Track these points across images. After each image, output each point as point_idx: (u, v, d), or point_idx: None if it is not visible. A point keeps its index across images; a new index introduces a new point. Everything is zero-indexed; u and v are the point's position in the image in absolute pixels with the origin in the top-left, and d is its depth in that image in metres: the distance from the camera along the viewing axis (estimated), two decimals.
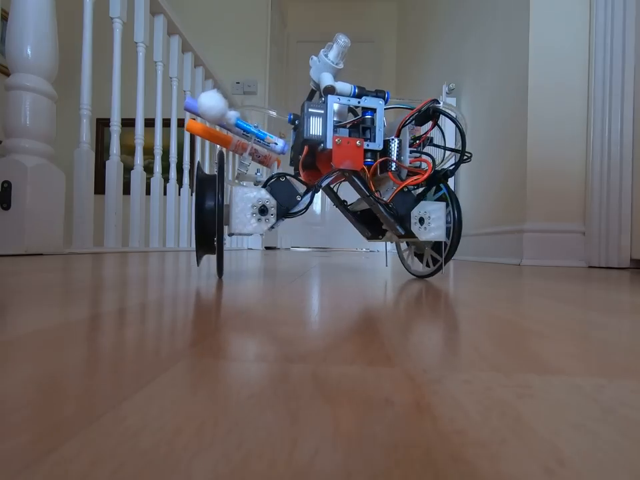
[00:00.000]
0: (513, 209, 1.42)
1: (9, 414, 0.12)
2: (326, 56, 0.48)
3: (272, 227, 0.52)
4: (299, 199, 0.49)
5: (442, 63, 2.36)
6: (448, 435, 0.11)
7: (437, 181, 0.55)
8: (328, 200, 3.79)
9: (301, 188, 0.51)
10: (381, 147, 0.49)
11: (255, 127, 0.52)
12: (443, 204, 0.54)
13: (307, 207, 0.51)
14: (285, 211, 0.49)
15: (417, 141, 0.53)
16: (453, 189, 0.56)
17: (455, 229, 0.54)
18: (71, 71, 2.08)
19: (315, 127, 0.47)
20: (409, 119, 0.51)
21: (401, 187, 0.50)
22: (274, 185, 0.49)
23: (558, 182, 1.31)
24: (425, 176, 0.50)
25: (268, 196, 0.48)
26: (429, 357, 0.19)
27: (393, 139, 0.50)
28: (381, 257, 1.78)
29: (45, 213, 0.94)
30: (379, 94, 0.50)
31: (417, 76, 2.94)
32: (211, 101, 0.46)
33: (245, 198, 0.47)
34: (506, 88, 1.49)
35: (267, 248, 3.00)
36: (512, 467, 0.09)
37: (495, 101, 1.60)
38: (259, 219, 0.48)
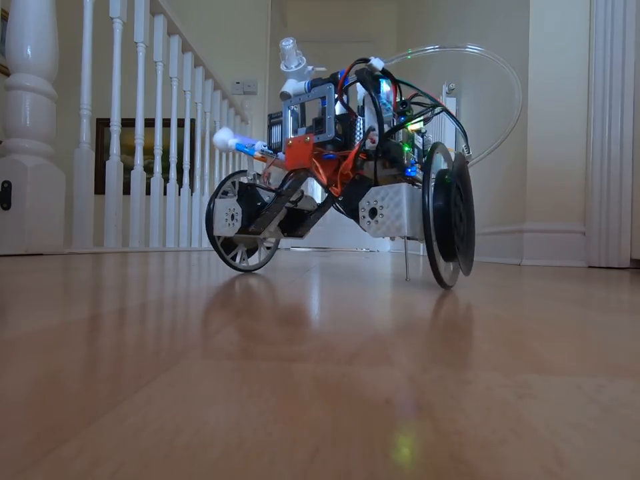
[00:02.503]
0: (513, 209, 1.42)
1: (8, 414, 0.12)
2: (286, 67, 0.49)
3: (274, 235, 0.58)
4: (259, 204, 0.54)
5: (442, 62, 2.36)
6: (448, 435, 0.11)
7: (375, 156, 0.44)
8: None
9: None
10: (331, 136, 0.44)
11: (253, 145, 0.56)
12: (400, 186, 0.41)
13: (266, 208, 0.54)
14: (250, 215, 0.54)
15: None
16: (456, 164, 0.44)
17: (426, 220, 0.39)
18: (71, 71, 2.08)
19: (276, 136, 0.51)
20: (342, 88, 0.45)
21: (339, 174, 0.45)
22: (242, 194, 0.55)
23: (558, 182, 1.31)
24: (353, 153, 0.43)
25: (234, 204, 0.54)
26: (428, 356, 0.19)
27: (357, 119, 0.45)
28: (381, 257, 1.78)
29: (45, 213, 0.94)
30: (332, 78, 0.46)
31: (417, 76, 2.94)
32: (215, 136, 0.56)
33: (220, 207, 0.56)
34: (506, 87, 1.49)
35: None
36: (512, 467, 0.09)
37: (495, 101, 1.60)
38: (229, 224, 0.55)
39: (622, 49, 1.23)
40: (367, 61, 0.44)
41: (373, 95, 0.43)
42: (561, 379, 0.16)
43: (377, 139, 0.43)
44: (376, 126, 0.44)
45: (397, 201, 0.41)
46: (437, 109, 0.47)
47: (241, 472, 0.09)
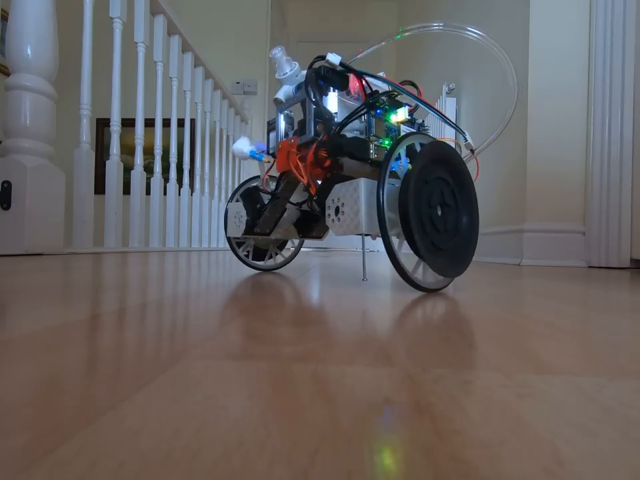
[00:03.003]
0: (513, 209, 1.42)
1: (8, 414, 0.12)
2: (279, 74, 0.49)
3: (271, 236, 0.60)
4: (258, 206, 0.57)
5: (442, 63, 2.36)
6: (448, 435, 0.11)
7: (335, 152, 0.42)
8: None
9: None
10: (311, 137, 0.43)
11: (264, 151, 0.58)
12: (358, 181, 0.39)
13: (265, 209, 0.55)
14: (253, 217, 0.57)
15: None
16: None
17: (381, 216, 0.36)
18: (71, 71, 2.08)
19: (272, 141, 0.53)
20: (308, 87, 0.43)
21: (309, 173, 0.44)
22: (246, 197, 0.58)
23: (558, 182, 1.31)
24: (311, 152, 0.42)
25: (241, 207, 0.58)
26: (428, 356, 0.19)
27: (333, 117, 0.44)
28: (381, 257, 1.78)
29: (45, 213, 0.94)
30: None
31: (417, 76, 2.94)
32: (234, 146, 0.59)
33: (231, 211, 0.60)
34: (506, 88, 1.49)
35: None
36: (512, 467, 0.09)
37: (495, 101, 1.60)
38: (237, 226, 0.58)
39: (622, 50, 1.24)
40: (324, 58, 0.43)
41: (314, 94, 0.42)
42: (561, 379, 0.16)
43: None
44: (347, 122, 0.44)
45: (355, 197, 0.39)
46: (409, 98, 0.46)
47: (241, 472, 0.09)
